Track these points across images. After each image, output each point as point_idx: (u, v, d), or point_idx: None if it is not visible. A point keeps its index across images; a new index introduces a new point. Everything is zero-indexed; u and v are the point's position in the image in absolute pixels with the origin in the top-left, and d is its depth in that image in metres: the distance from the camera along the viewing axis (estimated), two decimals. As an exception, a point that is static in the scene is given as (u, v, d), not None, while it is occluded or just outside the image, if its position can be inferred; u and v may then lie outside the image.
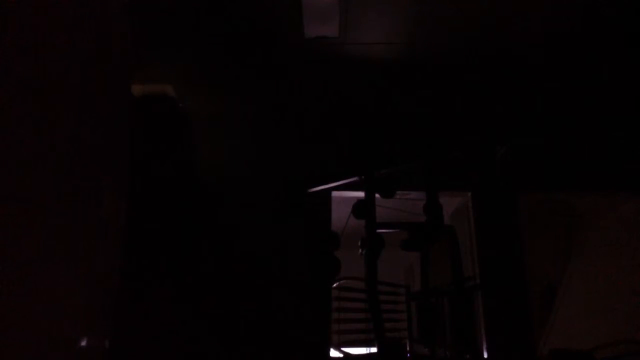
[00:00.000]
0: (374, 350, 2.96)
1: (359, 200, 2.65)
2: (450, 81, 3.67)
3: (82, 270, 1.09)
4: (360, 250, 2.52)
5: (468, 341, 2.47)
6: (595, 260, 4.07)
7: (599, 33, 3.19)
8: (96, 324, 1.12)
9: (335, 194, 3.38)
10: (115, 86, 1.32)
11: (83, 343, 1.05)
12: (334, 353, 3.20)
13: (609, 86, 3.60)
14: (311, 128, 3.59)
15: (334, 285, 3.41)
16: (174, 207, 2.16)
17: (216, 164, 3.38)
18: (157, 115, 2.85)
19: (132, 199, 1.36)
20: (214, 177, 3.32)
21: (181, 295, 2.10)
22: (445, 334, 2.75)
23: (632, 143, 3.54)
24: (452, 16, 3.04)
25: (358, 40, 3.27)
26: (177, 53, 3.48)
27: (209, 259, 3.04)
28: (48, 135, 0.98)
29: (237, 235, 3.22)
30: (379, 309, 2.42)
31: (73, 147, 1.07)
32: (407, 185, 3.22)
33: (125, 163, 1.33)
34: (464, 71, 3.62)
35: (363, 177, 2.73)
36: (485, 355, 3.09)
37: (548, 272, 4.44)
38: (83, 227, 1.10)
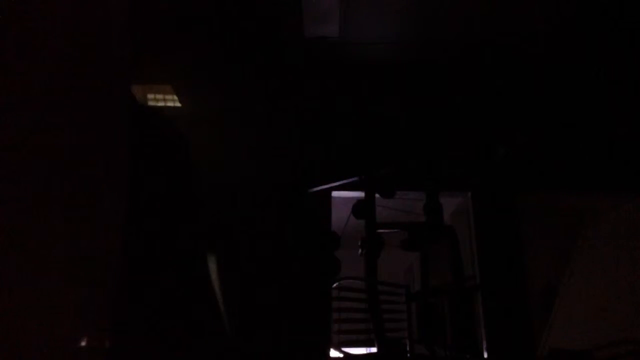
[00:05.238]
0: (374, 350, 2.96)
1: (359, 200, 2.65)
2: (450, 81, 3.67)
3: (82, 270, 1.09)
4: (360, 250, 2.52)
5: (468, 341, 2.47)
6: (595, 260, 4.07)
7: (598, 32, 3.19)
8: (96, 323, 1.12)
9: (335, 194, 3.38)
10: (115, 86, 1.32)
11: (83, 343, 1.05)
12: (334, 353, 3.20)
13: (609, 85, 3.60)
14: (311, 128, 3.59)
15: (334, 285, 3.41)
16: (174, 207, 2.16)
17: (216, 164, 3.38)
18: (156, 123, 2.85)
19: (132, 199, 1.36)
20: (213, 177, 3.32)
21: (181, 295, 2.10)
22: (445, 334, 2.75)
23: (632, 142, 3.54)
24: (451, 16, 3.04)
25: (358, 40, 3.27)
26: (177, 53, 3.48)
27: (209, 259, 3.04)
28: (48, 135, 0.98)
29: (237, 235, 3.22)
30: (379, 309, 2.42)
31: (73, 147, 1.07)
32: (407, 185, 3.22)
33: (124, 163, 1.33)
34: (464, 71, 3.63)
35: (363, 177, 2.73)
36: (485, 355, 3.09)
37: (548, 272, 4.44)
38: (83, 227, 1.10)
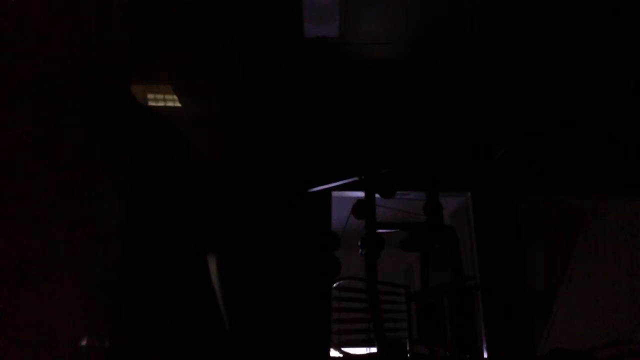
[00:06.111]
0: (374, 350, 2.96)
1: (359, 200, 2.65)
2: (450, 81, 3.67)
3: (82, 270, 1.08)
4: (360, 250, 2.52)
5: (468, 341, 2.47)
6: (595, 261, 4.07)
7: (598, 32, 3.19)
8: (96, 324, 1.12)
9: (335, 194, 3.38)
10: (115, 86, 1.32)
11: (83, 343, 1.05)
12: (334, 353, 3.20)
13: (609, 85, 3.60)
14: (311, 128, 3.59)
15: (334, 285, 3.41)
16: (174, 207, 2.16)
17: (216, 164, 3.38)
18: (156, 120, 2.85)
19: (132, 199, 1.36)
20: (213, 177, 3.32)
21: (181, 295, 2.10)
22: (445, 334, 2.75)
23: (632, 142, 3.54)
24: (451, 16, 3.04)
25: (358, 40, 3.27)
26: (177, 53, 3.48)
27: (209, 259, 3.04)
28: (48, 135, 0.98)
29: (237, 235, 3.22)
30: (379, 309, 2.42)
31: (73, 147, 1.07)
32: (407, 185, 3.23)
33: (125, 163, 1.33)
34: (463, 70, 3.62)
35: (363, 177, 2.72)
36: (485, 355, 3.09)
37: (548, 272, 4.44)
38: (83, 227, 1.10)
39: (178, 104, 3.62)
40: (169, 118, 3.48)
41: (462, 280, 2.58)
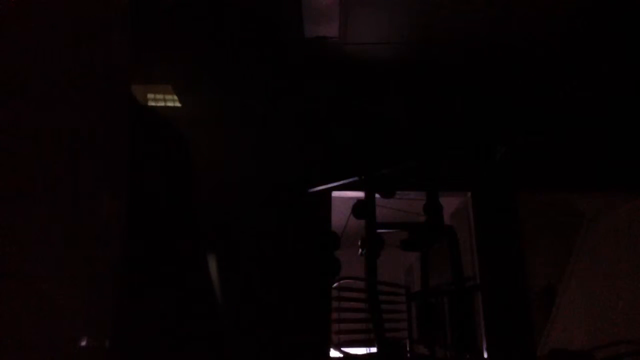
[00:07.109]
0: (374, 350, 2.96)
1: (359, 200, 2.65)
2: (450, 80, 3.67)
3: (82, 270, 1.09)
4: (360, 250, 2.52)
5: (468, 341, 2.47)
6: (595, 260, 4.07)
7: (599, 31, 3.19)
8: (96, 324, 1.12)
9: (335, 194, 3.38)
10: (115, 86, 1.32)
11: (83, 343, 1.05)
12: (334, 353, 3.20)
13: (609, 85, 3.60)
14: (311, 128, 3.59)
15: (334, 285, 3.41)
16: (174, 207, 2.16)
17: (216, 164, 3.37)
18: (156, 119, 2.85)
19: (132, 200, 1.36)
20: (213, 177, 3.31)
21: (181, 296, 2.10)
22: (445, 334, 2.75)
23: (632, 143, 3.54)
24: (451, 16, 3.04)
25: (358, 40, 3.27)
26: (177, 53, 3.48)
27: (209, 259, 3.04)
28: (48, 135, 0.98)
29: (237, 235, 3.22)
30: (379, 309, 2.42)
31: (73, 148, 1.07)
32: (407, 185, 3.22)
33: (125, 163, 1.33)
34: (463, 70, 3.62)
35: (363, 177, 2.73)
36: (485, 355, 3.09)
37: (548, 272, 4.44)
38: (83, 227, 1.10)
39: (178, 104, 3.62)
40: (169, 118, 3.48)
41: (462, 280, 2.58)
